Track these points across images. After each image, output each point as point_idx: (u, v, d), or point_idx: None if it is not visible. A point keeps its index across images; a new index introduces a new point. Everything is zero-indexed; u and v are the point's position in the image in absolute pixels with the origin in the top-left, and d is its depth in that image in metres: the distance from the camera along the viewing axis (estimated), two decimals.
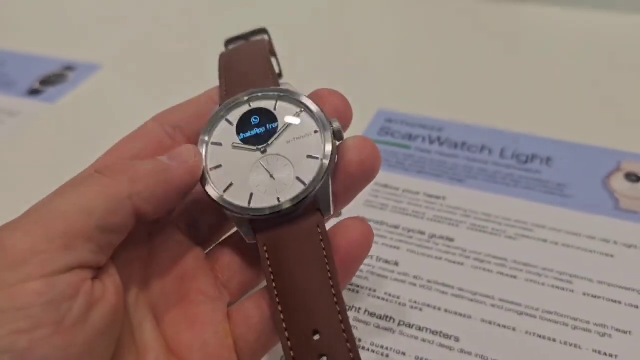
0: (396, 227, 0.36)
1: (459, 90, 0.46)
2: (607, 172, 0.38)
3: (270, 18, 0.54)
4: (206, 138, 0.26)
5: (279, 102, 0.26)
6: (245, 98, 0.26)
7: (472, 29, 0.52)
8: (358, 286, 0.33)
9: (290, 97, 0.26)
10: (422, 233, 0.35)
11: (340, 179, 0.25)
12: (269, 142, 0.25)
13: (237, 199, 0.25)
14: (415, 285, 0.32)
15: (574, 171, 0.38)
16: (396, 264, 0.34)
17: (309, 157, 0.24)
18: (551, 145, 0.40)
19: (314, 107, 0.25)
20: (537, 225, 0.35)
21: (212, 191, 0.25)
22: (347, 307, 0.32)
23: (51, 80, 0.53)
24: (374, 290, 0.32)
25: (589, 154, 0.39)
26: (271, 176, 0.25)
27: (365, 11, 0.56)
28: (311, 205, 0.24)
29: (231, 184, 0.25)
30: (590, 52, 0.48)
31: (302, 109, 0.25)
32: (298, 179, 0.24)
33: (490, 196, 0.37)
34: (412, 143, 0.41)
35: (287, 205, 0.24)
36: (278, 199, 0.24)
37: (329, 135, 0.24)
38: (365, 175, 0.25)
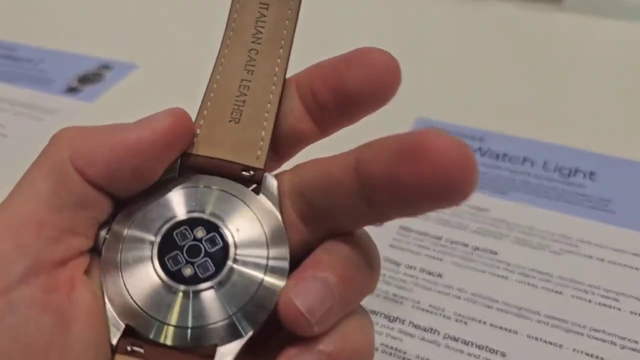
0: (439, 238, 0.36)
1: (500, 99, 0.45)
2: None
3: (307, 16, 0.54)
4: None
5: None
6: None
7: (514, 38, 0.52)
8: (402, 297, 0.33)
9: None
10: (466, 245, 0.35)
11: None
12: None
13: None
14: (459, 298, 0.32)
15: (618, 186, 0.38)
16: (440, 275, 0.34)
17: None
18: (594, 159, 0.40)
19: None
20: (582, 240, 0.35)
21: None
22: (392, 318, 0.32)
23: (89, 79, 0.53)
24: (418, 302, 0.32)
25: (633, 169, 0.39)
26: None
27: (403, 16, 0.56)
28: None
29: None
30: (636, 64, 0.48)
31: None
32: None
33: (533, 209, 0.37)
34: None
35: None
36: None
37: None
38: None
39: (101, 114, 0.49)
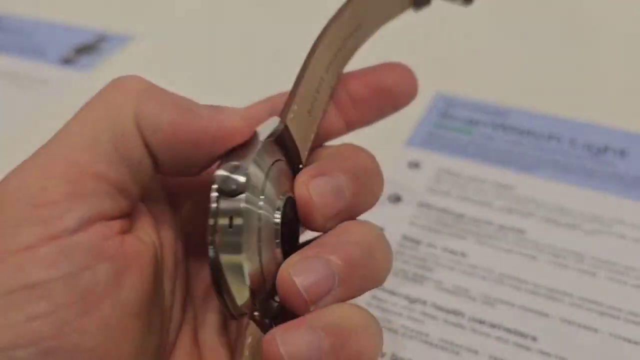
0: (461, 215, 0.33)
1: (523, 74, 0.43)
2: None
3: None
4: None
5: None
6: None
7: (539, 9, 0.49)
8: (423, 277, 0.30)
9: None
10: (490, 223, 0.33)
11: None
12: None
13: None
14: (485, 278, 0.30)
15: None
16: (463, 254, 0.31)
17: None
18: (624, 137, 0.37)
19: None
20: (615, 220, 0.32)
21: None
22: (412, 299, 0.29)
23: (84, 50, 0.50)
24: (441, 282, 0.30)
25: None
26: None
27: None
28: None
29: None
30: None
31: None
32: None
33: (562, 187, 0.34)
34: (473, 129, 0.39)
35: None
36: None
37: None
38: None
39: (97, 85, 0.46)
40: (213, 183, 0.18)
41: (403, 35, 0.48)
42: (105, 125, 0.18)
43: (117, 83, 0.19)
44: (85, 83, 0.46)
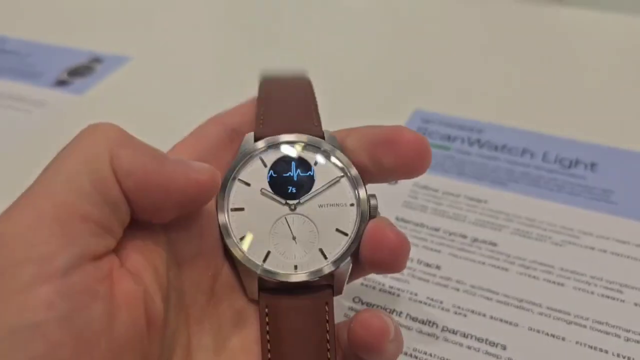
0: (436, 229, 0.34)
1: (499, 91, 0.44)
2: None
3: (306, 12, 0.53)
4: (234, 173, 0.23)
5: (321, 158, 0.24)
6: (286, 139, 0.24)
7: (514, 29, 0.51)
8: (399, 289, 0.32)
9: (335, 156, 0.24)
10: (464, 236, 0.34)
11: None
12: (301, 201, 0.23)
13: (253, 252, 0.23)
14: (458, 290, 0.31)
15: (619, 177, 0.37)
16: (438, 267, 0.33)
17: (338, 230, 0.23)
18: (595, 150, 0.39)
19: (356, 175, 0.24)
20: (584, 232, 0.34)
21: (229, 237, 0.23)
22: (388, 311, 0.31)
23: (79, 72, 0.52)
24: (416, 294, 0.31)
25: (634, 159, 0.38)
26: (293, 238, 0.23)
27: (402, 8, 0.55)
28: (324, 279, 0.23)
29: (249, 233, 0.23)
30: (635, 56, 0.47)
31: (344, 174, 0.24)
32: (321, 251, 0.23)
33: (533, 201, 0.36)
34: (451, 144, 0.40)
35: (303, 278, 0.22)
36: (295, 267, 0.22)
37: (365, 213, 0.23)
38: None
39: (91, 107, 0.48)
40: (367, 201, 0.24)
41: (383, 55, 0.49)
42: (84, 169, 0.19)
43: (92, 129, 0.20)
44: (79, 105, 0.48)
